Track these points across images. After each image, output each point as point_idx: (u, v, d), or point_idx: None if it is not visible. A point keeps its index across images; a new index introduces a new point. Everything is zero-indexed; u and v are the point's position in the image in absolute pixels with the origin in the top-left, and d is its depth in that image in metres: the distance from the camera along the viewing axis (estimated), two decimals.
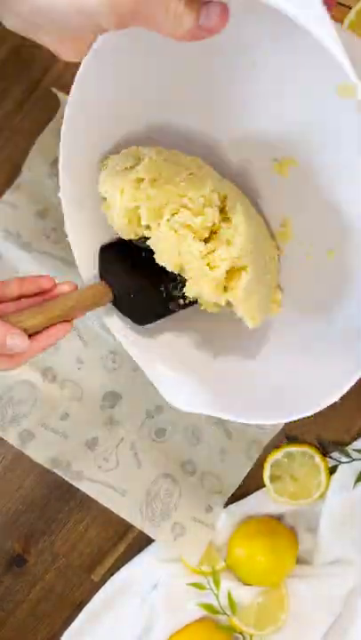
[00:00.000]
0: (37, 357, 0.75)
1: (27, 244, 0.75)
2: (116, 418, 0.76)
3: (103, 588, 0.77)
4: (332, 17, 0.67)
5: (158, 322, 0.68)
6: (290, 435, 0.77)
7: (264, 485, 0.75)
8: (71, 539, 0.78)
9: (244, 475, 0.76)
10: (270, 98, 0.58)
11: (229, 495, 0.76)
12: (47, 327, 0.58)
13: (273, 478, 0.75)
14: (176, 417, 0.76)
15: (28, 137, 0.75)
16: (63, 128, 0.56)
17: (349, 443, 0.76)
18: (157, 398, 0.72)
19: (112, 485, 0.75)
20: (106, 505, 0.75)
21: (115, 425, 0.76)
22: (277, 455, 0.75)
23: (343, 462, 0.75)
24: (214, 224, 0.59)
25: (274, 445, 0.77)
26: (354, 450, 0.75)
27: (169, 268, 0.60)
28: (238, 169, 0.66)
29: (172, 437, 0.76)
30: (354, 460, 0.75)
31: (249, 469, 0.76)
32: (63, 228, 0.71)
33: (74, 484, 0.75)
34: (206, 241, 0.60)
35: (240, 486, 0.77)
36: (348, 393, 0.77)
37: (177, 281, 0.64)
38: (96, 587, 0.78)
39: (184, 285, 0.61)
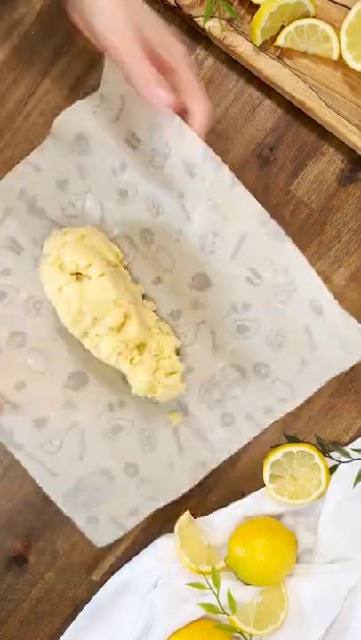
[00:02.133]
0: (10, 319, 0.73)
1: (40, 210, 0.74)
2: (74, 402, 0.74)
3: (103, 588, 0.77)
4: (332, 18, 0.67)
5: None
6: (289, 434, 0.77)
7: (264, 485, 0.76)
8: (72, 538, 0.78)
9: (181, 493, 0.75)
10: None
11: (160, 506, 0.75)
12: None
13: (273, 478, 0.75)
14: (137, 417, 0.75)
15: (29, 138, 0.75)
16: None
17: (349, 442, 0.77)
18: (124, 393, 0.72)
19: (47, 466, 0.74)
20: (36, 480, 0.74)
21: (72, 409, 0.74)
22: (277, 455, 0.75)
23: (343, 462, 0.75)
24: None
25: (273, 445, 0.77)
26: (353, 449, 0.76)
27: None
28: None
29: (127, 437, 0.75)
30: (354, 459, 0.75)
31: (188, 489, 0.75)
32: (80, 201, 0.73)
33: (10, 450, 0.73)
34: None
35: (240, 485, 0.77)
36: (347, 393, 0.78)
37: None
38: (96, 586, 0.78)
39: None
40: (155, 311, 0.74)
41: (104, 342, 0.69)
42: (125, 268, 0.74)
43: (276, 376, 0.73)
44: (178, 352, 0.74)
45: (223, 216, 0.69)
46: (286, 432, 0.77)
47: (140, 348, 0.71)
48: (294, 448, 0.75)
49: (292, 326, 0.71)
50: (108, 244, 0.72)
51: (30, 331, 0.74)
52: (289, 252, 0.68)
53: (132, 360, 0.70)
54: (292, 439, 0.76)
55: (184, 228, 0.71)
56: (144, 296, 0.74)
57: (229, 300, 0.72)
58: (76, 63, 0.74)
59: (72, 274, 0.68)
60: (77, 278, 0.69)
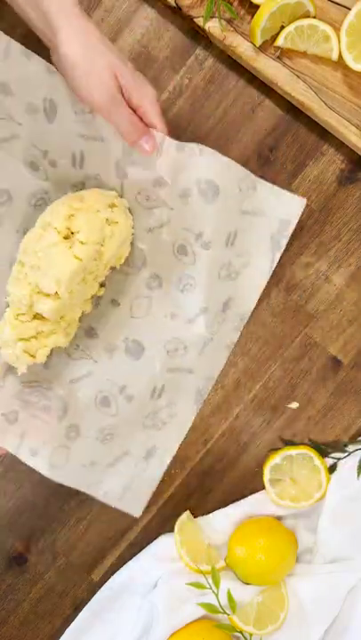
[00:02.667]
0: (8, 175, 0.71)
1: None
2: None
3: (103, 587, 0.77)
4: (332, 18, 0.67)
5: None
6: (285, 438, 0.77)
7: (264, 485, 0.76)
8: (72, 538, 0.78)
9: None
10: None
11: None
12: None
13: (273, 482, 0.75)
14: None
15: None
16: None
17: (348, 443, 0.77)
18: None
19: None
20: None
21: None
22: (276, 459, 0.75)
23: (340, 458, 0.75)
24: None
25: (272, 448, 0.77)
26: (352, 444, 0.76)
27: None
28: None
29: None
30: (350, 452, 0.75)
31: None
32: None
33: None
34: None
35: (240, 485, 0.77)
36: (347, 393, 0.78)
37: None
38: (96, 586, 0.78)
39: None
40: (84, 313, 0.74)
41: (22, 285, 0.68)
42: (112, 269, 0.73)
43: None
44: (51, 350, 0.73)
45: (209, 357, 0.75)
46: (286, 432, 0.77)
47: (37, 317, 0.70)
48: (293, 451, 0.75)
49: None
50: (123, 247, 0.72)
51: (13, 190, 0.72)
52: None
53: (20, 315, 0.69)
54: (288, 442, 0.77)
55: (179, 316, 0.73)
56: (93, 297, 0.74)
57: (122, 380, 0.74)
58: None
59: (68, 229, 0.68)
60: (66, 236, 0.68)
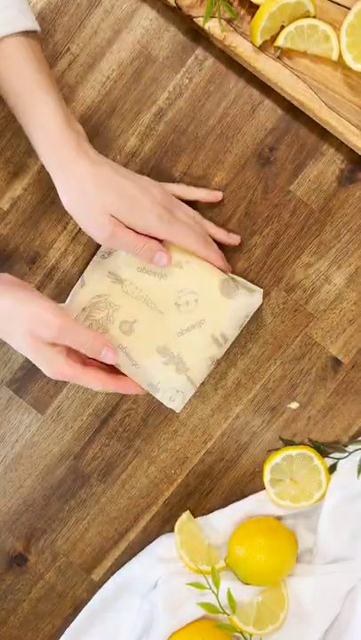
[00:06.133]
0: None
1: None
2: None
3: (104, 587, 0.77)
4: (332, 18, 0.67)
5: None
6: (285, 438, 0.77)
7: (264, 485, 0.76)
8: (72, 538, 0.78)
9: None
10: None
11: None
12: None
13: (273, 482, 0.75)
14: None
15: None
16: None
17: (348, 443, 0.77)
18: None
19: None
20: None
21: None
22: (276, 459, 0.75)
23: (340, 458, 0.75)
24: None
25: (272, 447, 0.77)
26: (352, 444, 0.76)
27: None
28: None
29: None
30: (350, 453, 0.75)
31: None
32: None
33: None
34: None
35: (240, 485, 0.77)
36: (347, 393, 0.78)
37: None
38: (96, 586, 0.78)
39: None
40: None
41: None
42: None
43: None
44: None
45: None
46: (286, 432, 0.77)
47: None
48: (293, 451, 0.75)
49: None
50: None
51: None
52: None
53: None
54: (288, 442, 0.77)
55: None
56: None
57: None
58: (78, 63, 0.74)
59: None
60: None
